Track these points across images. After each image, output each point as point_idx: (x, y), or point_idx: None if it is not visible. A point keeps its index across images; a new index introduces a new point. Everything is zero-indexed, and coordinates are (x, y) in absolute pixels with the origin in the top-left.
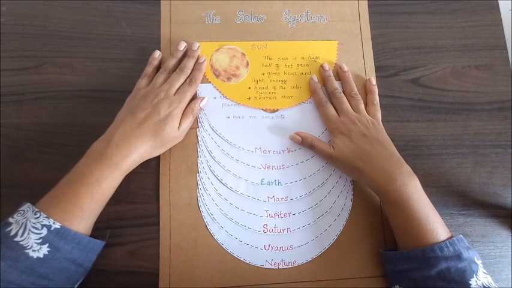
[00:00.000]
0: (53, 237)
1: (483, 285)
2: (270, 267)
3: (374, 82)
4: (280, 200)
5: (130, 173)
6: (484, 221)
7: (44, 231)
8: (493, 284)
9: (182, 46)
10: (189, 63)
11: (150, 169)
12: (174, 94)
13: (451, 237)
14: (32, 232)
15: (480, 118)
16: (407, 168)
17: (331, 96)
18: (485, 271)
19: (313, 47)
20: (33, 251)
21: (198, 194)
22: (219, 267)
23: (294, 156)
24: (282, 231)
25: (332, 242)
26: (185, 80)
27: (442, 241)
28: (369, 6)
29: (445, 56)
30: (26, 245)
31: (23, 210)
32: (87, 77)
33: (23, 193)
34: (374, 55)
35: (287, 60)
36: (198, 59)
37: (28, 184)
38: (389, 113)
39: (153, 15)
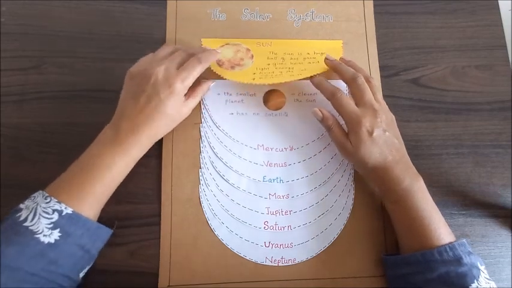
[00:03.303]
0: (65, 223)
1: None
2: (269, 264)
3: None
4: (281, 197)
5: (130, 172)
6: (484, 221)
7: (55, 216)
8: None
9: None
10: (201, 49)
11: (150, 169)
12: (178, 68)
13: (454, 241)
14: (42, 217)
15: (480, 118)
16: (413, 169)
17: (350, 82)
18: (488, 277)
19: (318, 46)
20: (44, 235)
21: (200, 190)
22: (219, 263)
23: (296, 155)
24: (282, 228)
25: (332, 241)
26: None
27: (443, 245)
28: None
29: (445, 56)
30: (36, 230)
31: (34, 196)
32: (87, 77)
33: (23, 193)
34: None
35: (292, 55)
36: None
37: (28, 184)
38: None
39: (153, 15)
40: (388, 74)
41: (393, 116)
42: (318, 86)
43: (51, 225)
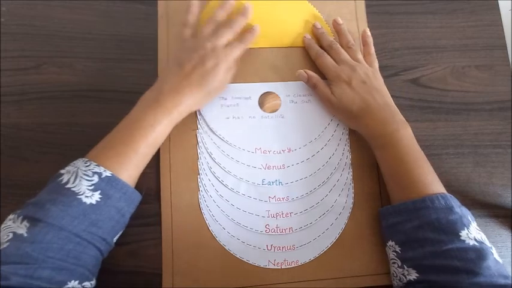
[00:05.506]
0: (104, 185)
1: (475, 238)
2: (272, 267)
3: (369, 33)
4: (281, 200)
5: None
6: (484, 221)
7: (95, 178)
8: (488, 242)
9: None
10: (241, 20)
11: (150, 169)
12: (223, 48)
13: (446, 193)
14: (83, 179)
15: (480, 118)
16: (400, 117)
17: (328, 49)
18: (479, 229)
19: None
20: (86, 197)
21: (200, 196)
22: (222, 268)
23: (294, 156)
24: (284, 231)
25: (334, 241)
26: (234, 38)
27: (434, 193)
28: (369, 6)
29: (445, 56)
30: (78, 191)
31: (74, 163)
32: (87, 77)
33: (23, 193)
34: None
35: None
36: (252, 26)
37: (28, 184)
38: None
39: (153, 15)
40: (388, 74)
41: (374, 70)
42: (307, 46)
43: (92, 187)
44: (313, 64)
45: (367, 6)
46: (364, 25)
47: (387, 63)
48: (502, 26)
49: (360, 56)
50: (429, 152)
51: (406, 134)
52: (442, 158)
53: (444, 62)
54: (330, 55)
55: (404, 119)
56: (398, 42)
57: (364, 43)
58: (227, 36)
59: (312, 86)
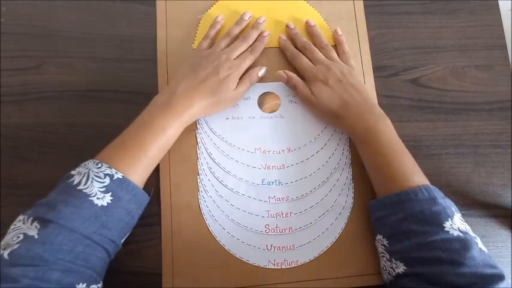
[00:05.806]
0: (116, 187)
1: (459, 229)
2: (272, 267)
3: (340, 32)
4: (281, 200)
5: None
6: (484, 221)
7: (107, 180)
8: (472, 232)
9: (247, 16)
10: (253, 34)
11: None
12: (234, 59)
13: (429, 184)
14: (95, 181)
15: (480, 118)
16: (379, 110)
17: (302, 50)
18: (463, 220)
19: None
20: (97, 198)
21: (199, 196)
22: (222, 269)
23: (293, 156)
24: (283, 231)
25: (334, 241)
26: (246, 49)
27: (418, 186)
28: (369, 6)
29: (445, 56)
30: (90, 193)
31: (85, 164)
32: (87, 77)
33: (23, 193)
34: (374, 55)
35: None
36: (262, 32)
37: (28, 184)
38: (389, 113)
39: (153, 15)
40: (388, 74)
41: (350, 67)
42: (283, 47)
43: (104, 189)
44: None
45: (367, 6)
46: (363, 25)
47: (387, 63)
48: (502, 26)
49: (335, 55)
50: (429, 152)
51: (385, 127)
52: (442, 158)
53: (444, 62)
54: (305, 55)
55: (383, 112)
56: (398, 42)
57: (337, 42)
58: (241, 49)
59: (292, 87)
